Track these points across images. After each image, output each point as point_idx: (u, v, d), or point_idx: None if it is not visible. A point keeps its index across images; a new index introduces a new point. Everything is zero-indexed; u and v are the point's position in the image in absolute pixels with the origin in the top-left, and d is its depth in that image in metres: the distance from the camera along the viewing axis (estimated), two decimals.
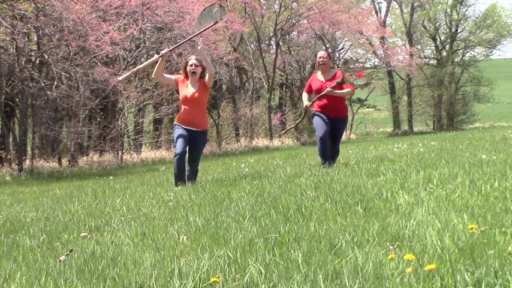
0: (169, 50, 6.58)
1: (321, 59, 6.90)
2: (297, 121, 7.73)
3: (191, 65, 6.35)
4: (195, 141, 6.34)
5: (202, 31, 6.99)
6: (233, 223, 3.64)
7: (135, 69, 6.46)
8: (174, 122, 6.54)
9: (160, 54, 6.31)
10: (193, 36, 7.20)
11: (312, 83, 7.01)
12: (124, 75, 6.55)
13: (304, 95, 7.13)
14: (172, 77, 6.54)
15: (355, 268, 2.34)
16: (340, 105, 6.91)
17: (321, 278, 2.27)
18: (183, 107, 6.41)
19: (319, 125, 6.84)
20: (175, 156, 6.33)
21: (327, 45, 33.00)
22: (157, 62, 6.32)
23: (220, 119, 27.70)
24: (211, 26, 6.74)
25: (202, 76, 6.39)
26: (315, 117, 6.93)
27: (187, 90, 6.35)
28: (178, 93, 6.53)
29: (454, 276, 2.09)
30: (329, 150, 6.86)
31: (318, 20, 28.49)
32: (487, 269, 2.11)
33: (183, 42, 7.31)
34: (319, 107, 6.85)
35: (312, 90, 7.05)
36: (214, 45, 22.57)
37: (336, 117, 6.84)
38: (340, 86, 6.73)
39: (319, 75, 6.96)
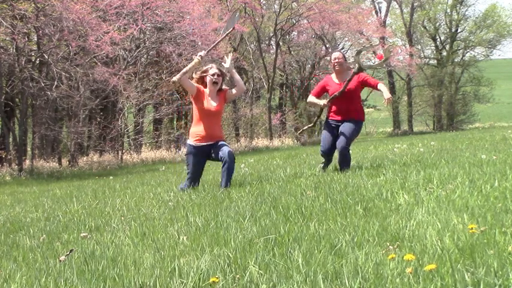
0: (207, 52, 6.11)
1: (336, 60, 6.38)
2: (315, 119, 7.17)
3: (213, 75, 5.84)
4: (215, 148, 5.81)
5: (224, 37, 6.78)
6: (233, 223, 3.64)
7: (184, 69, 5.85)
8: (189, 141, 5.93)
9: (200, 55, 5.85)
10: (218, 42, 7.03)
11: (327, 87, 6.47)
12: (177, 76, 5.86)
13: (312, 98, 6.53)
14: (195, 84, 5.90)
15: (355, 268, 2.34)
16: (355, 109, 6.38)
17: (321, 278, 2.27)
18: (200, 121, 5.85)
19: (324, 138, 6.46)
20: (189, 182, 5.91)
21: (327, 45, 33.01)
22: (199, 63, 5.84)
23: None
24: (229, 32, 6.61)
25: (220, 88, 5.93)
26: (324, 130, 6.55)
27: (209, 103, 5.83)
28: (193, 103, 5.92)
29: (454, 276, 2.09)
30: (330, 160, 6.59)
31: (318, 20, 28.49)
32: (487, 269, 2.11)
33: (215, 45, 6.93)
34: (332, 112, 6.41)
35: (324, 94, 6.59)
36: None
37: (349, 118, 6.35)
38: (357, 75, 6.26)
39: (334, 78, 6.46)
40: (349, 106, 6.31)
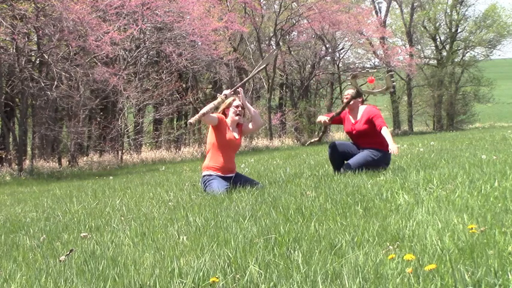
0: (232, 90, 5.88)
1: (345, 96, 6.14)
2: (320, 134, 6.74)
3: (237, 107, 5.76)
4: (239, 178, 5.76)
5: (254, 74, 6.63)
6: (233, 223, 3.65)
7: (204, 110, 5.55)
8: (207, 172, 5.65)
9: (224, 94, 5.75)
10: (248, 79, 6.85)
11: (344, 123, 6.25)
12: (195, 118, 5.63)
13: (320, 116, 6.35)
14: (215, 115, 5.72)
15: (355, 268, 2.34)
16: (374, 142, 6.01)
17: (321, 278, 2.27)
18: (219, 152, 5.66)
19: (342, 142, 6.25)
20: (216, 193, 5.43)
21: (327, 45, 32.98)
22: (222, 102, 5.71)
23: None
24: (261, 69, 6.51)
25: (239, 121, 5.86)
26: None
27: (231, 134, 5.73)
28: (213, 134, 5.72)
29: (454, 276, 2.09)
30: (337, 159, 6.15)
31: (318, 20, 28.47)
32: (487, 269, 2.11)
33: (243, 83, 6.49)
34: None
35: (336, 122, 6.35)
36: (214, 45, 22.56)
37: (368, 147, 6.05)
38: (367, 112, 5.98)
39: (350, 115, 6.21)
40: (368, 141, 6.06)
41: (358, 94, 6.08)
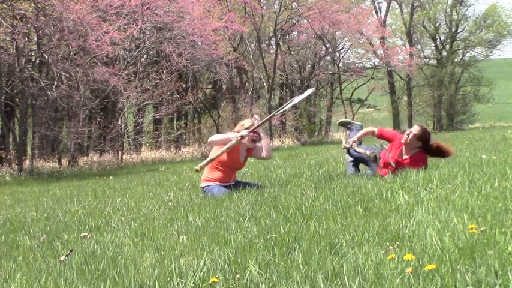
0: (249, 132, 5.59)
1: (408, 133, 5.73)
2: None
3: (255, 133, 5.66)
4: (238, 183, 5.74)
5: (275, 114, 6.54)
6: (233, 223, 3.65)
7: (214, 155, 5.49)
8: (205, 184, 5.63)
9: (241, 135, 5.50)
10: (273, 115, 6.59)
11: (392, 141, 5.91)
12: (203, 164, 5.56)
13: (367, 129, 6.20)
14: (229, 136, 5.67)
15: (355, 268, 2.34)
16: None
17: (321, 278, 2.27)
18: (220, 167, 5.61)
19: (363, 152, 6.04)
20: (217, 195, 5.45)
21: (327, 45, 32.98)
22: (237, 144, 5.54)
23: (220, 119, 27.68)
24: (273, 115, 6.48)
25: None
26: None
27: (238, 156, 5.67)
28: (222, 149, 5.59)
29: (454, 276, 2.09)
30: (353, 171, 6.12)
31: (318, 20, 28.46)
32: (487, 269, 2.11)
33: (263, 122, 6.10)
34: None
35: (384, 139, 6.11)
36: (214, 45, 22.56)
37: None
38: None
39: (403, 148, 5.81)
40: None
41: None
